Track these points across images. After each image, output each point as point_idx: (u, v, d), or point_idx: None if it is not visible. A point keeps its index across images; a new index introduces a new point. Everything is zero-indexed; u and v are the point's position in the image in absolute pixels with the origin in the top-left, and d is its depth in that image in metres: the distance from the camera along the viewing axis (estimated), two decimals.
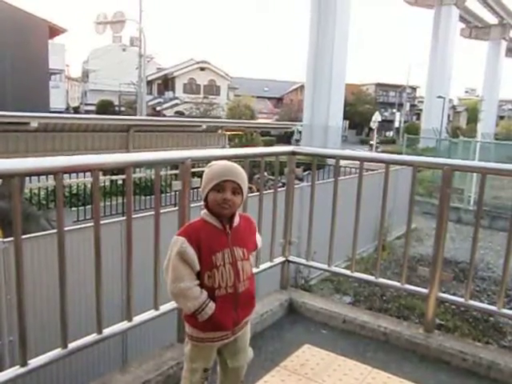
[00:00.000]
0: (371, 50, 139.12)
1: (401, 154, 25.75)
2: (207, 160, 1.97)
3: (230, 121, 18.48)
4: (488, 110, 49.07)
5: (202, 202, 1.59)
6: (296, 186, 3.34)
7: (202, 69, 41.54)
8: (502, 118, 67.93)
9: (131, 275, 1.96)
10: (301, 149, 3.05)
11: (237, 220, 1.61)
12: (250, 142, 20.56)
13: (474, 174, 10.30)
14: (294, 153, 2.92)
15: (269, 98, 54.37)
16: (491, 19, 46.03)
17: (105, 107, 37.82)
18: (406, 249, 2.68)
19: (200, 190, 1.61)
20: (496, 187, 12.67)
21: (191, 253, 1.48)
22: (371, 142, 33.08)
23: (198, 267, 1.50)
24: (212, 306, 1.51)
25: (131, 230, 1.95)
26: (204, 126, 10.49)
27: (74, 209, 8.28)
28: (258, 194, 2.80)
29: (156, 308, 2.08)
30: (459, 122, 55.90)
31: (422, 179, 14.07)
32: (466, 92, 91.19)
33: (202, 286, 1.52)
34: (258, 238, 1.73)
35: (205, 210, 1.58)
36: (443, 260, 2.44)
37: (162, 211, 2.07)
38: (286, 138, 31.03)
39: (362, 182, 2.71)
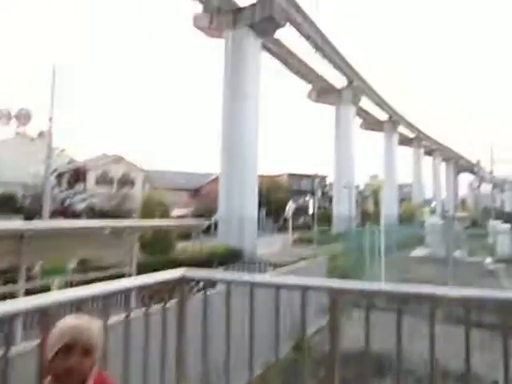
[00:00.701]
0: (285, 141, 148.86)
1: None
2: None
3: (135, 222, 17.64)
4: (390, 194, 53.41)
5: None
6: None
7: (117, 161, 41.01)
8: (403, 199, 74.14)
9: None
10: (193, 272, 2.64)
11: None
12: (164, 239, 19.78)
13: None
14: (183, 279, 2.51)
15: (186, 190, 54.59)
16: (383, 115, 52.04)
17: (5, 200, 34.79)
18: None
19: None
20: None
21: None
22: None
23: None
24: None
25: None
26: (107, 230, 9.73)
27: None
28: None
29: None
30: (367, 206, 59.84)
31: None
32: (372, 177, 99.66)
33: None
34: None
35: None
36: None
37: None
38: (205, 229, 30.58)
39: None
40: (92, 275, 7.60)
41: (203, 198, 49.63)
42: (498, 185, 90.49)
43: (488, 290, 1.96)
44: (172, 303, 2.57)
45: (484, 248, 23.54)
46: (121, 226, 12.74)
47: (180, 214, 46.03)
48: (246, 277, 3.76)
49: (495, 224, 27.93)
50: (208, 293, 2.59)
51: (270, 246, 32.86)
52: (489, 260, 19.01)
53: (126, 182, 40.73)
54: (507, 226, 24.83)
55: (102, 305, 2.10)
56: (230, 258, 21.38)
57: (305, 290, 2.20)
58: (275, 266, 14.76)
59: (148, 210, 22.21)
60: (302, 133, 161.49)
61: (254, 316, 2.34)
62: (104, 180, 40.14)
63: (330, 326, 2.17)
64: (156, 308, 2.51)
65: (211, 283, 3.13)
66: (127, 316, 2.27)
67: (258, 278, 3.39)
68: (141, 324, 2.36)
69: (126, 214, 34.18)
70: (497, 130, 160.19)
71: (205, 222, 15.73)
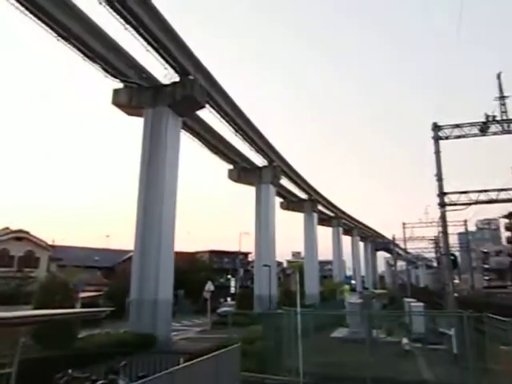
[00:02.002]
0: (206, 219, 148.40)
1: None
2: None
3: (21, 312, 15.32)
4: (311, 272, 53.80)
5: None
6: None
7: (19, 238, 37.37)
8: (325, 277, 75.12)
9: None
10: None
11: None
12: (64, 328, 17.49)
13: None
14: None
15: (99, 268, 51.01)
16: (303, 195, 53.77)
17: None
18: None
19: None
20: None
21: None
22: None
23: None
24: None
25: None
26: None
27: None
28: None
29: None
30: (290, 284, 59.60)
31: None
32: (293, 255, 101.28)
33: None
34: None
35: None
36: None
37: None
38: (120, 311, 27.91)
39: None
40: None
41: (118, 276, 46.43)
42: (412, 261, 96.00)
43: None
44: None
45: (401, 327, 23.76)
46: (4, 316, 10.77)
47: (91, 295, 42.36)
48: None
49: (409, 302, 28.52)
50: None
51: (188, 330, 30.79)
52: (405, 340, 19.16)
53: (28, 261, 36.92)
54: (419, 304, 25.33)
55: None
56: (141, 346, 19.47)
57: None
58: (189, 354, 13.50)
59: (47, 295, 19.82)
60: (226, 210, 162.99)
61: None
62: (3, 259, 36.08)
63: None
64: None
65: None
66: None
67: None
68: None
69: (27, 298, 30.50)
70: (405, 207, 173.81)
71: (107, 309, 14.01)
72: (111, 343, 18.12)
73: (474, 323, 12.16)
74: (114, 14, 19.44)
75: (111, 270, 50.87)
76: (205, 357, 10.51)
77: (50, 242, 42.52)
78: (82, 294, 40.93)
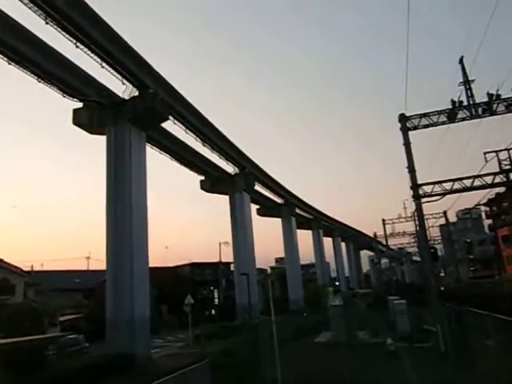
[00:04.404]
0: (185, 232, 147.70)
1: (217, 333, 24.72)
2: None
3: None
4: (293, 277, 53.72)
5: None
6: None
7: None
8: (310, 280, 74.94)
9: None
10: None
11: None
12: (32, 355, 17.06)
13: None
14: None
15: (80, 290, 50.12)
16: (279, 200, 53.76)
17: None
18: None
19: None
20: None
21: None
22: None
23: None
24: None
25: None
26: None
27: None
28: None
29: None
30: (274, 291, 59.29)
31: None
32: (277, 261, 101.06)
33: None
34: None
35: None
36: None
37: None
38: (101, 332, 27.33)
39: None
40: None
41: (99, 297, 45.54)
42: (397, 257, 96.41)
43: None
44: None
45: (387, 326, 23.50)
46: None
47: (70, 317, 41.51)
48: None
49: (393, 300, 27.67)
50: None
51: (170, 346, 30.32)
52: (389, 341, 18.84)
53: (3, 288, 35.92)
54: (402, 302, 24.76)
55: None
56: (118, 368, 19.05)
57: None
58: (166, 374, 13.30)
59: (15, 322, 19.31)
60: (204, 221, 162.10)
61: None
62: None
63: None
64: None
65: None
66: None
67: None
68: None
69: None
70: (386, 204, 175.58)
71: (66, 334, 13.68)
72: (86, 367, 17.69)
73: (457, 317, 12.03)
74: (64, 33, 19.23)
75: (92, 292, 49.97)
76: (169, 376, 10.31)
77: (28, 268, 41.74)
78: (63, 318, 40.27)
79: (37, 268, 50.65)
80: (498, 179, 18.10)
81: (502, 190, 37.66)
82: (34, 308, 21.77)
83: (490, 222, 61.05)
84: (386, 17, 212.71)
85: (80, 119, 25.25)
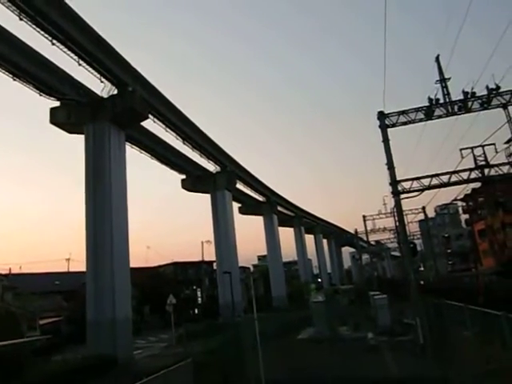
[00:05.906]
0: (168, 232, 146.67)
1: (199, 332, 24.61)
2: None
3: None
4: (276, 274, 53.93)
5: None
6: None
7: None
8: (292, 277, 75.29)
9: None
10: None
11: None
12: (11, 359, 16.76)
13: None
14: None
15: (60, 293, 49.22)
16: (261, 198, 53.86)
17: None
18: None
19: None
20: None
21: None
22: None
23: None
24: None
25: None
26: None
27: None
28: None
29: None
30: (257, 289, 59.46)
31: None
32: (259, 259, 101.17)
33: None
34: None
35: None
36: None
37: None
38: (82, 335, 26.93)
39: None
40: None
41: (80, 299, 44.84)
42: (378, 253, 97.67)
43: None
44: None
45: (368, 321, 23.77)
46: None
47: (50, 320, 40.73)
48: None
49: (374, 295, 28.01)
50: None
51: (153, 346, 30.07)
52: (370, 335, 19.13)
53: None
54: (383, 296, 24.96)
55: None
56: (100, 369, 18.82)
57: None
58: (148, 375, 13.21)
59: None
60: (187, 220, 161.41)
61: None
62: None
63: None
64: None
65: None
66: None
67: None
68: None
69: None
70: (367, 201, 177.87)
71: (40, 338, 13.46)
72: (66, 370, 17.44)
73: (435, 310, 12.26)
74: (39, 29, 18.87)
75: (73, 294, 49.16)
76: (151, 377, 10.25)
77: (6, 271, 40.84)
78: (43, 321, 39.56)
79: (15, 271, 49.74)
80: (473, 175, 18.43)
81: (477, 185, 38.44)
82: (11, 312, 21.44)
83: (466, 216, 62.25)
84: None
85: (57, 118, 24.88)
